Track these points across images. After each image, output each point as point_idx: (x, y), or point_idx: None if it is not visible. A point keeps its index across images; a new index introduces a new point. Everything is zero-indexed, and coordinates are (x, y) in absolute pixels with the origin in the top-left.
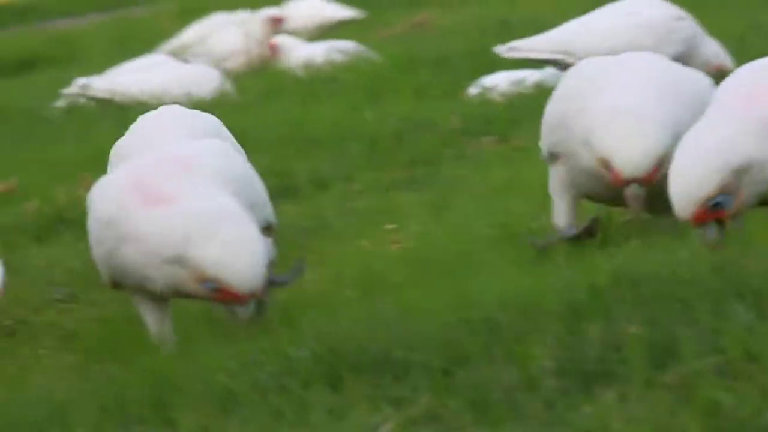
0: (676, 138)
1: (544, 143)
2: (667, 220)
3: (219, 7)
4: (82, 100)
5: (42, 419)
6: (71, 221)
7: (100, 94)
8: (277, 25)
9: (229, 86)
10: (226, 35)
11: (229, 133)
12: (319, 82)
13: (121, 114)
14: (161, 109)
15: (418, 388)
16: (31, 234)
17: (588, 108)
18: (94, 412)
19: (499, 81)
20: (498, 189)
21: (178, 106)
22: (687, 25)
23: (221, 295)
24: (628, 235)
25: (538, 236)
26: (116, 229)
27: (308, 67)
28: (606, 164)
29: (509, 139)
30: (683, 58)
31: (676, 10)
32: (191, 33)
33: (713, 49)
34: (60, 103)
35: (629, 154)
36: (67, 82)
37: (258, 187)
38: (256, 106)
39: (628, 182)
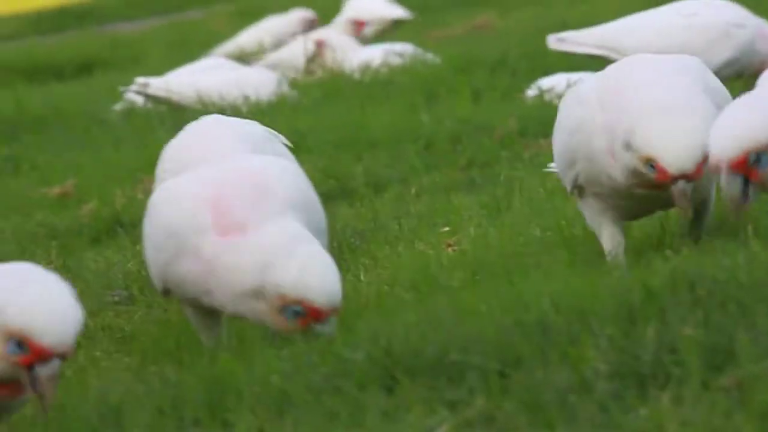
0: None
1: (565, 180)
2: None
3: (273, 10)
4: (140, 102)
5: (98, 421)
6: (128, 224)
7: (159, 93)
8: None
9: (287, 89)
10: (297, 45)
11: (283, 146)
12: (376, 84)
13: (178, 117)
14: (212, 117)
15: (473, 390)
16: (88, 237)
17: (621, 111)
18: (150, 414)
19: (557, 83)
20: (554, 191)
21: (225, 117)
22: (744, 33)
23: (304, 318)
24: (684, 237)
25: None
26: (182, 243)
27: (365, 69)
28: (651, 162)
29: None
30: (735, 64)
31: (737, 16)
32: (246, 35)
33: None
34: (118, 107)
35: (676, 149)
36: (125, 86)
37: (320, 214)
38: (314, 109)
39: (676, 178)
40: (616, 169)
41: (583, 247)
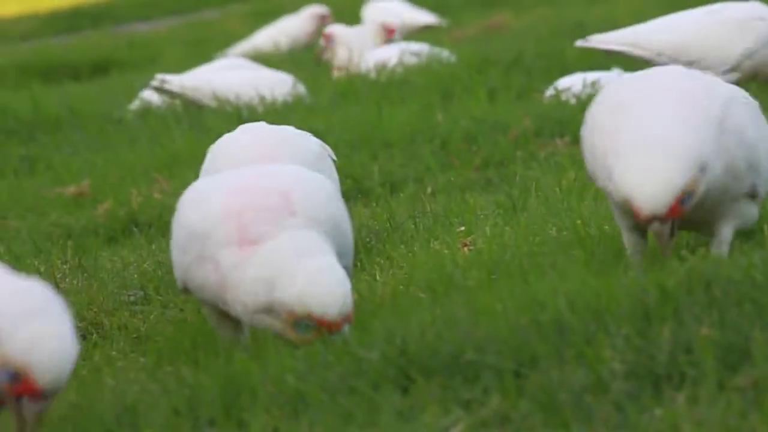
0: (703, 162)
1: (589, 172)
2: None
3: (289, 9)
4: (156, 102)
5: (113, 421)
6: (144, 223)
7: (177, 89)
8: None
9: (302, 89)
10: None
11: (330, 161)
12: (391, 84)
13: (194, 117)
14: (273, 127)
15: (488, 390)
16: (103, 236)
17: (608, 145)
18: (166, 413)
19: (573, 83)
20: (570, 191)
21: (290, 127)
22: (764, 25)
23: (317, 331)
24: (699, 238)
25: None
26: (202, 249)
27: (381, 69)
28: (627, 201)
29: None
30: (754, 56)
31: (758, 10)
32: (262, 35)
33: None
34: (134, 106)
35: (646, 192)
36: (141, 86)
37: (347, 233)
38: (330, 109)
39: (649, 220)
40: (611, 193)
41: (599, 247)
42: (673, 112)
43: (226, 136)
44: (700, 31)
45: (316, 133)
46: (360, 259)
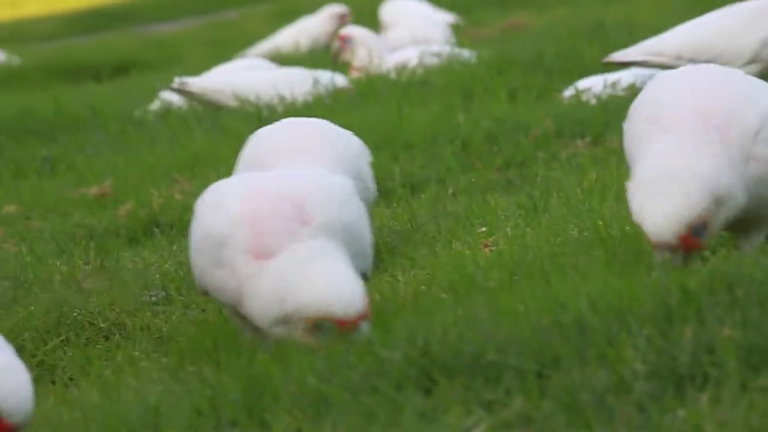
0: (719, 195)
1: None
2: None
3: (309, 9)
4: (177, 103)
5: (136, 421)
6: (165, 224)
7: (196, 90)
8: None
9: (322, 90)
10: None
11: (367, 160)
12: (412, 85)
13: (214, 117)
14: (313, 121)
15: (510, 391)
16: (125, 237)
17: (633, 155)
18: (188, 414)
19: (593, 83)
20: (591, 192)
21: (324, 122)
22: None
23: (336, 333)
24: (722, 237)
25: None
26: (219, 252)
27: (401, 70)
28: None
29: (603, 141)
30: None
31: None
32: (282, 35)
33: None
34: (155, 107)
35: (657, 221)
36: (162, 86)
37: (365, 239)
38: (350, 109)
39: (659, 248)
40: None
41: (620, 248)
42: (693, 141)
43: (267, 128)
44: (715, 27)
45: None
46: (382, 259)
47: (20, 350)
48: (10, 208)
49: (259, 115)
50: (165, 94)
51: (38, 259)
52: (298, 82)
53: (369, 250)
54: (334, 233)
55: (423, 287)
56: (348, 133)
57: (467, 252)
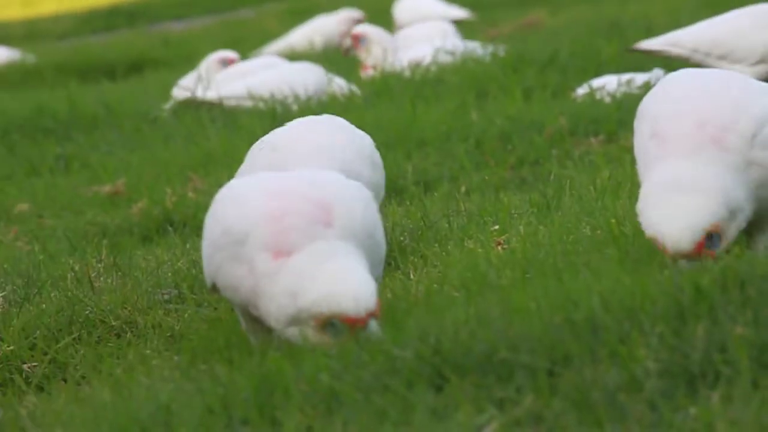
0: (731, 199)
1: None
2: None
3: (324, 8)
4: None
5: (147, 419)
6: (178, 222)
7: (214, 100)
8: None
9: (336, 87)
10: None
11: (381, 162)
12: (426, 82)
13: (229, 116)
14: (327, 119)
15: (521, 389)
16: (138, 235)
17: (641, 159)
18: (199, 412)
19: (608, 81)
20: (604, 190)
21: (343, 120)
22: None
23: (346, 330)
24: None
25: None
26: (238, 249)
27: (415, 68)
28: (653, 238)
29: (617, 139)
30: None
31: None
32: (297, 34)
33: None
34: (169, 105)
35: (672, 231)
36: (176, 84)
37: (381, 246)
38: (364, 107)
39: (675, 258)
40: None
41: (633, 246)
42: (700, 154)
43: (287, 125)
44: (730, 25)
45: None
46: (394, 257)
47: (32, 348)
48: (23, 207)
49: (273, 113)
50: (177, 92)
51: (51, 257)
52: (313, 79)
53: (383, 257)
54: (355, 237)
55: (435, 285)
56: (363, 133)
57: (480, 250)
